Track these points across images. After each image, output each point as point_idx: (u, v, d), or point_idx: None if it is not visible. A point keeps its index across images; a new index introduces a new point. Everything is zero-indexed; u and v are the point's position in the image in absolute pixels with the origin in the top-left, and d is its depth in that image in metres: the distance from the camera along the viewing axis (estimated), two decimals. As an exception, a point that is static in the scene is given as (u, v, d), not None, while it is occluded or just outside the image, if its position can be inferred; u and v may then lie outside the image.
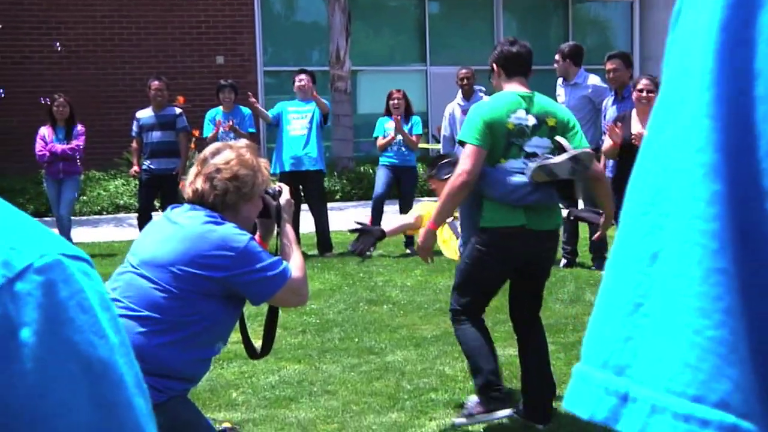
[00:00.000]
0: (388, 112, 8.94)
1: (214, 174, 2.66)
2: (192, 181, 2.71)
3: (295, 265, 2.77)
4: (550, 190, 3.82)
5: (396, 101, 8.91)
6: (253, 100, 8.83)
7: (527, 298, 4.06)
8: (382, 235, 4.44)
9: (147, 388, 0.69)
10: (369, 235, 4.20)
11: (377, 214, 8.94)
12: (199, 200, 2.69)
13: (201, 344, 2.63)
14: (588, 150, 3.82)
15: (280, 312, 6.39)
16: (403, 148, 8.87)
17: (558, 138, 3.84)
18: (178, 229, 2.65)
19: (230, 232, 2.64)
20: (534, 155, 3.80)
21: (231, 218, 2.69)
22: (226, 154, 2.70)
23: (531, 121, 3.84)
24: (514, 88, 3.95)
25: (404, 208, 8.88)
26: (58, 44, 14.03)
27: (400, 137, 8.77)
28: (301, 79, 8.78)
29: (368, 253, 4.33)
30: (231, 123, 8.80)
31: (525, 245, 3.86)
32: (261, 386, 4.68)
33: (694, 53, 0.56)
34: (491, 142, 3.80)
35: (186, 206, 2.72)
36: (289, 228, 2.88)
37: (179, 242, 2.61)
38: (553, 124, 3.86)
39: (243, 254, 2.61)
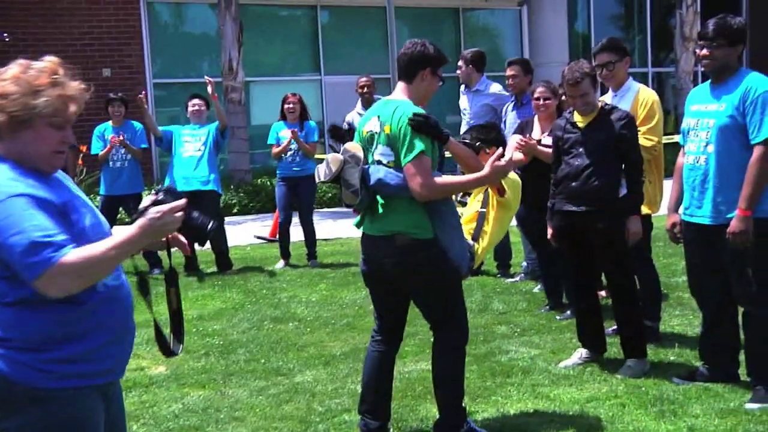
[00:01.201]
0: (284, 117, 8.69)
1: None
2: None
3: (81, 252, 2.14)
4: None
5: (291, 105, 8.60)
6: (143, 100, 8.44)
7: (419, 309, 4.00)
8: None
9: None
10: None
11: (283, 239, 8.66)
12: None
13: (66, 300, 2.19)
14: (336, 156, 3.81)
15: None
16: (298, 158, 8.55)
17: (347, 144, 3.86)
18: None
19: None
20: (380, 162, 3.77)
21: (8, 151, 2.22)
22: (10, 69, 2.25)
23: (377, 128, 3.80)
24: (391, 95, 3.96)
25: (304, 219, 8.64)
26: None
27: (294, 145, 8.46)
28: (195, 105, 8.46)
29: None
30: (121, 137, 8.41)
31: (363, 247, 3.95)
32: (163, 416, 4.41)
33: None
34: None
35: None
36: (133, 231, 2.23)
37: None
38: (388, 132, 3.75)
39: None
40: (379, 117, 3.81)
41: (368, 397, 4.01)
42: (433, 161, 3.71)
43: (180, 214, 2.31)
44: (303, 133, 8.55)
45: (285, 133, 8.49)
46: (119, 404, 2.53)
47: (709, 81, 4.32)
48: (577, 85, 4.67)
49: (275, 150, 8.58)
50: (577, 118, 4.81)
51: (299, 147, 8.43)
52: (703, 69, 4.31)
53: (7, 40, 13.54)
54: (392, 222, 3.74)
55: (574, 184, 4.72)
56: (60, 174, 2.37)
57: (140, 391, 4.81)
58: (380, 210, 3.78)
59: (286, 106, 8.62)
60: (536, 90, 6.09)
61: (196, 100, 8.49)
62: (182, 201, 2.34)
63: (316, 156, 8.59)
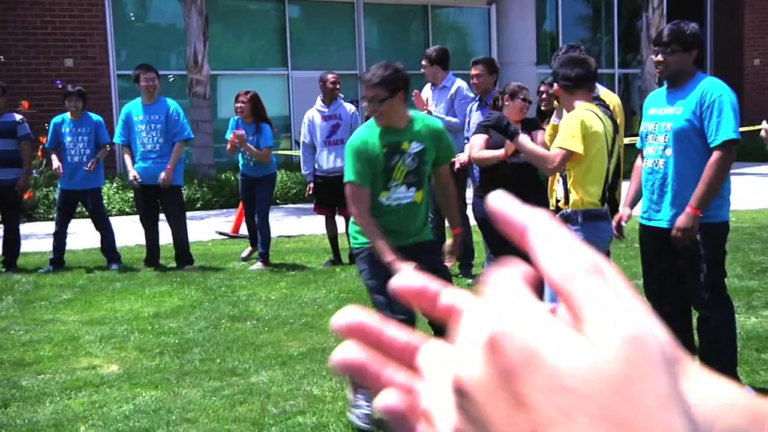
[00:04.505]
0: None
1: None
2: None
3: None
4: None
5: (240, 105, 8.13)
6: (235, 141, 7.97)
7: None
8: None
9: None
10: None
11: (250, 229, 8.54)
12: None
13: None
14: None
15: (136, 333, 6.00)
16: (252, 163, 8.24)
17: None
18: None
19: None
20: None
21: None
22: None
23: None
24: None
25: (258, 220, 8.36)
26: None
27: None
28: (148, 78, 7.99)
29: None
30: (91, 167, 8.23)
31: None
32: (113, 417, 4.31)
33: None
34: None
35: None
36: None
37: None
38: None
39: None
40: None
41: None
42: (377, 183, 3.90)
43: None
44: (254, 137, 8.10)
45: (235, 134, 8.00)
46: None
47: (666, 85, 4.34)
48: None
49: (228, 147, 8.29)
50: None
51: (251, 154, 8.08)
52: (658, 75, 4.32)
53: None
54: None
55: None
56: None
57: (90, 391, 4.70)
58: None
59: (235, 104, 8.23)
60: (522, 92, 6.02)
61: (149, 74, 8.01)
62: None
63: (280, 152, 8.40)
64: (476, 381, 0.33)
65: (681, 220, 4.08)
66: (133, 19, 16.27)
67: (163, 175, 7.91)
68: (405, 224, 4.01)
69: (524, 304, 0.33)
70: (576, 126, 4.13)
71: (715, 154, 4.04)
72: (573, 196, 4.19)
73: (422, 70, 7.58)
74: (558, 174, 4.32)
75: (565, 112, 4.59)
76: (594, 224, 4.18)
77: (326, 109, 8.15)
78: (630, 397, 0.30)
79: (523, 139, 4.13)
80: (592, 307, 0.31)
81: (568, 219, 4.17)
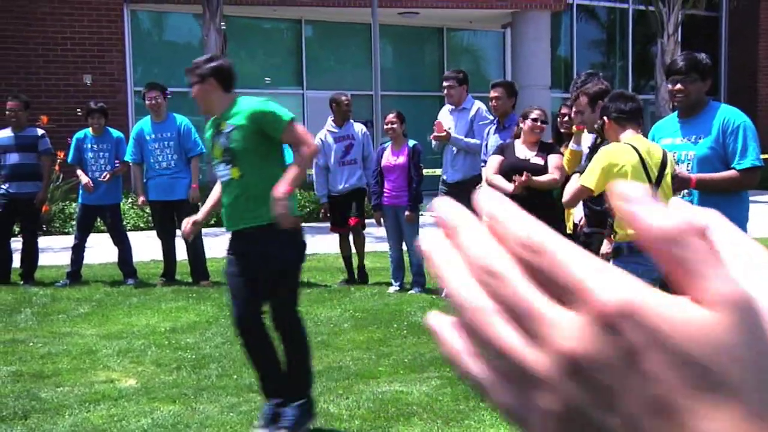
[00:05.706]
0: None
1: None
2: None
3: None
4: None
5: None
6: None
7: None
8: None
9: None
10: None
11: None
12: None
13: None
14: None
15: (153, 348, 6.03)
16: None
17: None
18: None
19: None
20: None
21: None
22: None
23: None
24: None
25: None
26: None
27: None
28: (151, 98, 8.15)
29: None
30: (106, 176, 8.38)
31: None
32: (131, 431, 4.35)
33: None
34: None
35: None
36: None
37: None
38: None
39: None
40: None
41: None
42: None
43: None
44: None
45: None
46: None
47: (676, 114, 4.39)
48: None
49: None
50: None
51: None
52: (676, 104, 4.36)
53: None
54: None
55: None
56: None
57: (109, 404, 4.74)
58: None
59: None
60: (533, 112, 6.12)
61: (153, 92, 8.19)
62: None
63: None
64: (594, 358, 0.33)
65: (682, 174, 4.16)
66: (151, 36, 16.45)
67: (191, 194, 8.19)
68: (229, 202, 4.39)
69: (627, 279, 0.33)
70: (598, 163, 4.19)
71: (737, 172, 4.11)
72: (619, 230, 4.19)
73: (448, 91, 7.55)
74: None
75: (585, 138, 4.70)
76: (641, 255, 4.22)
77: (337, 130, 8.21)
78: (750, 363, 0.32)
79: (573, 178, 4.44)
80: (700, 271, 0.33)
81: (616, 251, 4.23)
